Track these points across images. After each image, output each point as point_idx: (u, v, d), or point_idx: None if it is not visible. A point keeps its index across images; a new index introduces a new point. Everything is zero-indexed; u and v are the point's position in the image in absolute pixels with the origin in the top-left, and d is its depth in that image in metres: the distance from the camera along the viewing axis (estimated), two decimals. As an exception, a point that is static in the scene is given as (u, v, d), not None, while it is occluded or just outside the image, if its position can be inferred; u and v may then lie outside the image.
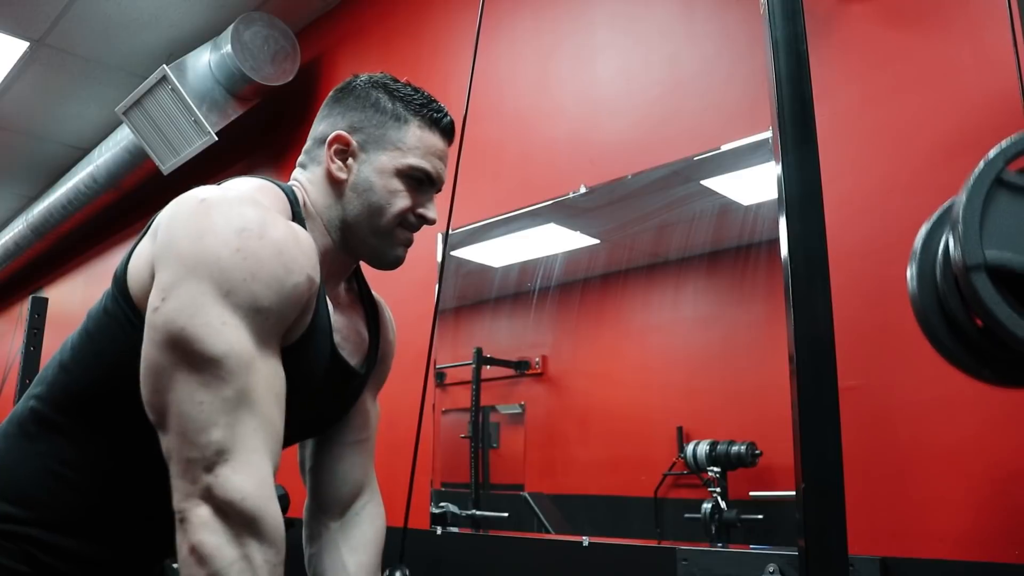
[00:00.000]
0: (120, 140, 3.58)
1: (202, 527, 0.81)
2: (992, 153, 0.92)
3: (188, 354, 0.84)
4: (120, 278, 0.96)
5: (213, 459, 0.82)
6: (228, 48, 2.87)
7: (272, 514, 0.84)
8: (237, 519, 0.81)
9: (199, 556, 0.81)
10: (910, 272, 1.01)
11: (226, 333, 0.84)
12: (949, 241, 0.92)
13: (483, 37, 1.92)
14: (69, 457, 0.96)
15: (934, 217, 1.02)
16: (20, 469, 0.97)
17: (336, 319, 1.09)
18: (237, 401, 0.84)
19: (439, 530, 2.08)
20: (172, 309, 0.85)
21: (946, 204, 1.00)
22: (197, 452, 0.82)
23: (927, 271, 0.99)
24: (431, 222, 1.11)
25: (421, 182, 1.09)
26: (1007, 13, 1.21)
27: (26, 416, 1.00)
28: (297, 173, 1.12)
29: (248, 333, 0.86)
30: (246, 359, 0.85)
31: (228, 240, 0.86)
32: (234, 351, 0.84)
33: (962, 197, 0.90)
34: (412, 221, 1.09)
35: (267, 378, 0.87)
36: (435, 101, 1.12)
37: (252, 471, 0.83)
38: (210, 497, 0.81)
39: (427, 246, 2.30)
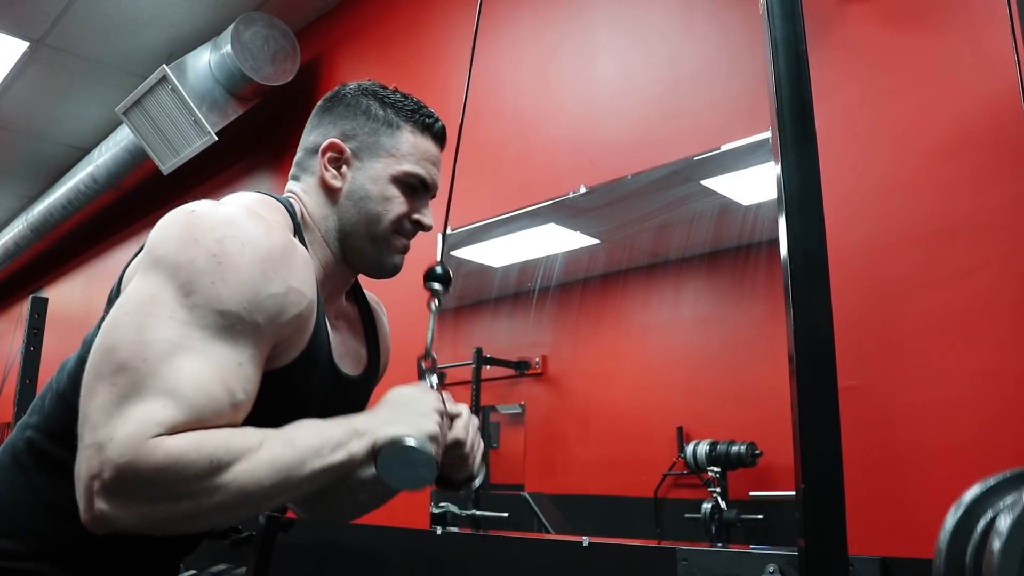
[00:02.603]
0: (120, 140, 3.58)
1: (124, 522, 0.76)
2: None
3: (122, 340, 0.80)
4: (114, 301, 0.94)
5: (103, 445, 0.76)
6: (228, 48, 2.87)
7: (167, 448, 0.75)
8: (146, 481, 0.75)
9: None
10: (948, 522, 0.93)
11: (166, 326, 0.80)
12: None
13: (483, 37, 1.92)
14: (67, 489, 0.94)
15: (991, 483, 0.93)
16: (16, 501, 0.96)
17: (336, 334, 1.08)
18: (136, 388, 0.78)
19: (439, 530, 2.08)
20: (127, 297, 0.84)
21: (976, 492, 0.93)
22: (93, 438, 0.77)
23: (960, 545, 0.91)
24: (427, 228, 1.10)
25: (416, 188, 1.08)
26: (1007, 13, 1.21)
27: (21, 447, 0.98)
28: (291, 185, 1.11)
29: (198, 331, 0.82)
30: (169, 349, 0.79)
31: (207, 246, 0.84)
32: (163, 339, 0.79)
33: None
34: (408, 227, 1.09)
35: (206, 368, 0.81)
36: (425, 107, 1.11)
37: (132, 438, 0.75)
38: (105, 490, 0.75)
39: (427, 247, 2.30)
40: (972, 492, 0.93)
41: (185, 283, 0.83)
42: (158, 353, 0.79)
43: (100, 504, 0.76)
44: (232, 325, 0.84)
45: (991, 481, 0.93)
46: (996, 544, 0.83)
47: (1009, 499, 0.88)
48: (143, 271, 0.86)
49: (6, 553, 0.93)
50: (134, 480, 0.75)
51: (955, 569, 0.90)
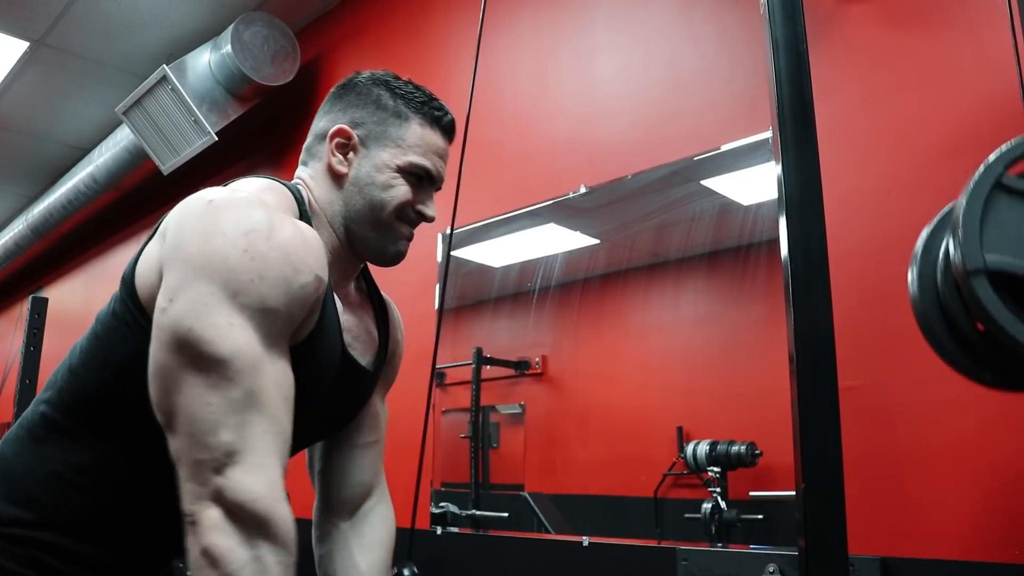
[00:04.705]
0: (120, 140, 3.58)
1: (213, 529, 0.81)
2: (992, 157, 0.91)
3: (196, 355, 0.84)
4: (128, 280, 0.96)
5: (223, 461, 0.81)
6: (228, 48, 2.87)
7: (283, 516, 0.84)
8: (248, 521, 0.81)
9: (211, 558, 0.81)
10: (911, 275, 1.00)
11: (234, 334, 0.84)
12: (949, 245, 0.91)
13: (484, 37, 1.92)
14: (78, 461, 0.96)
15: (935, 220, 1.01)
16: (29, 473, 0.97)
17: (346, 318, 1.09)
18: (245, 402, 0.83)
19: (439, 530, 2.08)
20: (179, 310, 0.85)
21: (947, 208, 0.99)
22: (207, 454, 0.82)
23: (928, 274, 0.98)
24: (430, 219, 1.11)
25: (421, 179, 1.09)
26: (1007, 13, 1.21)
27: (36, 421, 1.00)
28: (300, 171, 1.13)
29: (256, 334, 0.86)
30: (254, 359, 0.85)
31: (236, 241, 0.86)
32: (242, 352, 0.84)
33: (962, 201, 0.90)
34: (411, 216, 1.09)
35: (275, 379, 0.87)
36: (436, 99, 1.12)
37: (262, 472, 0.83)
38: (220, 499, 0.81)
39: (428, 246, 2.30)
40: (923, 235, 1.00)
41: (227, 283, 0.85)
42: (241, 368, 0.84)
43: (212, 511, 0.81)
44: (274, 320, 0.88)
45: (932, 223, 1.00)
46: (956, 257, 0.89)
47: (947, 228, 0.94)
48: (177, 268, 0.87)
49: (18, 521, 0.95)
50: (259, 522, 0.82)
51: (930, 302, 0.97)
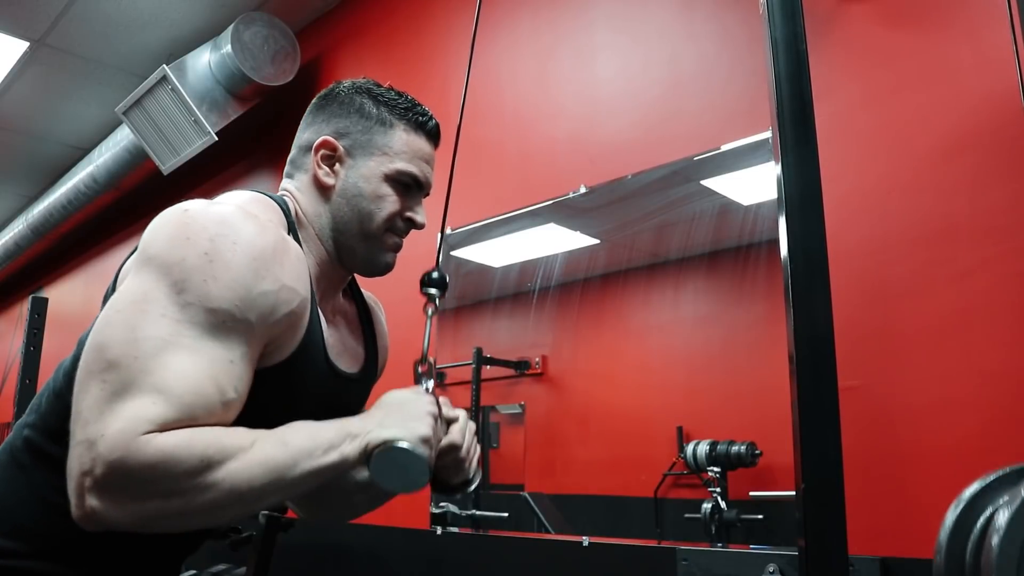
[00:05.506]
0: (120, 140, 3.58)
1: (114, 518, 0.77)
2: None
3: (111, 340, 0.81)
4: (108, 299, 0.95)
5: (94, 438, 0.77)
6: (228, 48, 2.87)
7: (158, 445, 0.76)
8: (137, 478, 0.76)
9: (157, 522, 0.78)
10: (948, 519, 0.92)
11: (155, 323, 0.81)
12: (993, 537, 0.84)
13: (482, 37, 1.91)
14: (64, 486, 0.94)
15: (989, 479, 0.93)
16: (15, 500, 0.96)
17: (334, 331, 1.08)
18: (133, 385, 0.78)
19: (439, 530, 2.08)
20: (120, 296, 0.85)
21: (975, 488, 0.92)
22: (83, 434, 0.78)
23: (958, 551, 0.90)
24: (420, 226, 1.10)
25: (409, 186, 1.08)
26: (1007, 13, 1.21)
27: (19, 446, 0.98)
28: (285, 183, 1.11)
29: (189, 329, 0.82)
30: (162, 345, 0.80)
31: (199, 244, 0.85)
32: (153, 337, 0.80)
33: (1004, 517, 0.83)
34: (400, 226, 1.09)
35: (204, 362, 0.82)
36: (419, 105, 1.11)
37: (126, 435, 0.76)
38: (96, 486, 0.76)
39: (428, 246, 2.30)
40: (971, 489, 0.92)
41: (177, 281, 0.84)
42: (149, 351, 0.80)
43: (91, 500, 0.77)
44: (223, 323, 0.84)
45: (990, 477, 0.93)
46: (995, 539, 0.84)
47: (1007, 495, 0.88)
48: (136, 269, 0.87)
49: (5, 552, 0.93)
50: (125, 476, 0.76)
51: (955, 565, 0.90)
